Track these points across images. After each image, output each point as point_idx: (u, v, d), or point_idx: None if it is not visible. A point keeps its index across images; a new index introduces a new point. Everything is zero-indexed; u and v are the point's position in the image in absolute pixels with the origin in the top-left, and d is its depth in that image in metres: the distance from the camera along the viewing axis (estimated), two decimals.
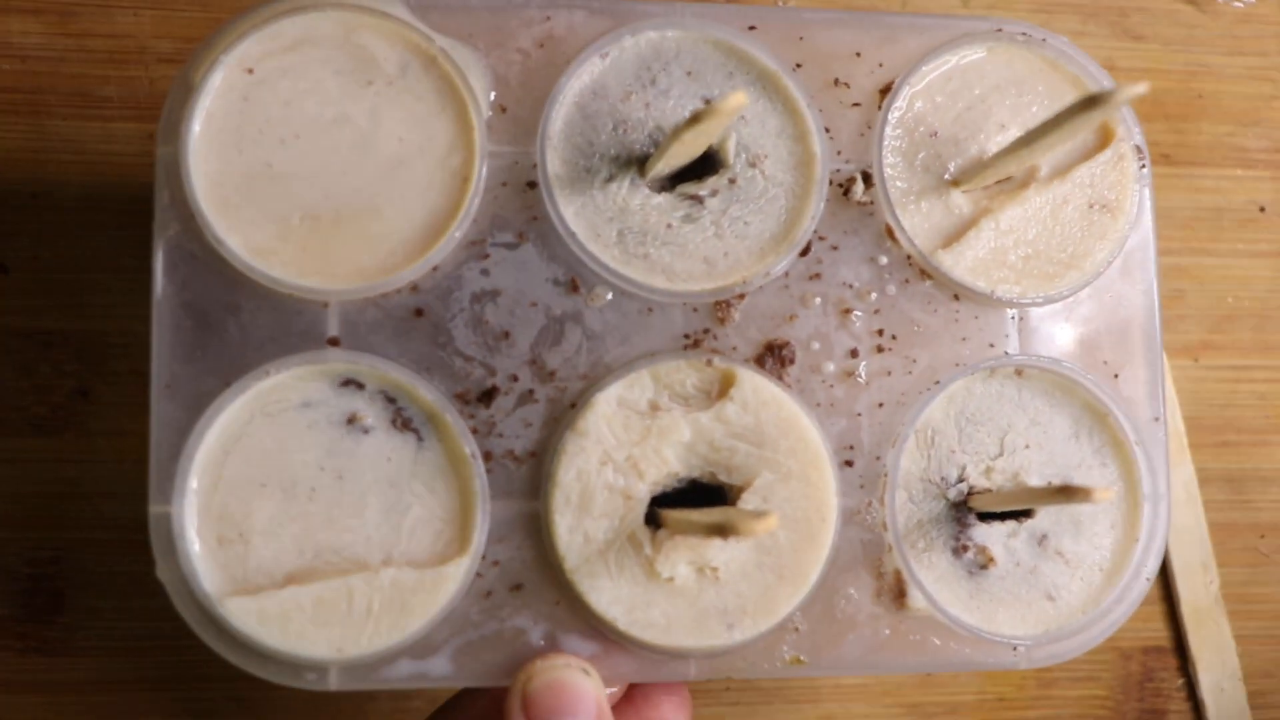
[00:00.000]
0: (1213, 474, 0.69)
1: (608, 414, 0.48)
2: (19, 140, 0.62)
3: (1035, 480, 0.51)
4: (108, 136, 0.63)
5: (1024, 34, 0.52)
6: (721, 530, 0.42)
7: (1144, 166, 0.52)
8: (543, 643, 0.48)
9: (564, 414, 0.49)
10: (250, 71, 0.48)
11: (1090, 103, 0.43)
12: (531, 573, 0.48)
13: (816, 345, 0.50)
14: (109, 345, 0.62)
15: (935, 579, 0.50)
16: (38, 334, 0.61)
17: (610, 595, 0.48)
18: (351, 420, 0.48)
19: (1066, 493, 0.46)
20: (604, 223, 0.49)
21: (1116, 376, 0.52)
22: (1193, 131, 0.70)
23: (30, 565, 0.61)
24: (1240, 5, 0.71)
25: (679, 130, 0.44)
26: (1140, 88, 0.42)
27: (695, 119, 0.43)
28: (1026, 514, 0.51)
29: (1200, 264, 0.70)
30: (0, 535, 0.61)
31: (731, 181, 0.50)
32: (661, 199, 0.49)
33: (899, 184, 0.51)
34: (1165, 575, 0.68)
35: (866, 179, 0.51)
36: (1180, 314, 0.69)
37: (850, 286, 0.50)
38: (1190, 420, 0.69)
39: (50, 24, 0.63)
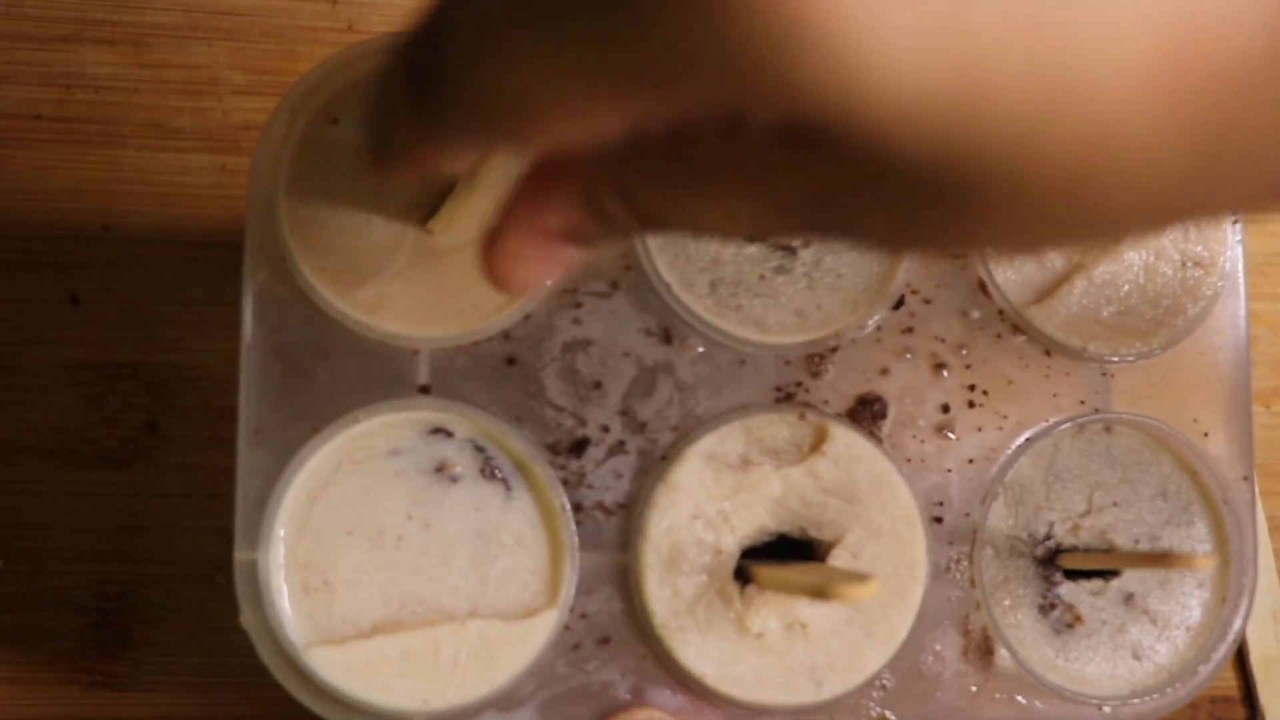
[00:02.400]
0: None
1: (699, 467, 0.48)
2: (92, 171, 0.62)
3: (1122, 538, 0.50)
4: (181, 168, 0.63)
5: None
6: (821, 593, 0.41)
7: (1237, 222, 0.52)
8: (630, 697, 0.48)
9: (655, 466, 0.48)
10: (335, 121, 0.47)
11: None
12: (620, 626, 0.48)
13: (908, 400, 0.50)
14: (178, 379, 0.62)
15: (1021, 637, 0.50)
16: (108, 366, 0.61)
17: (699, 650, 0.47)
18: (440, 469, 0.47)
19: (1167, 559, 0.46)
20: (697, 273, 0.49)
21: (1206, 435, 0.51)
22: None
23: (98, 599, 0.60)
24: None
25: None
26: None
27: None
28: (1113, 572, 0.51)
29: (1273, 310, 0.69)
30: (68, 569, 0.60)
31: None
32: (754, 249, 0.49)
33: None
34: None
35: None
36: (1252, 360, 0.68)
37: (942, 340, 0.50)
38: (1261, 467, 0.68)
39: (125, 54, 0.63)
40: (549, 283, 0.47)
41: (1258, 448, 0.65)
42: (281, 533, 0.47)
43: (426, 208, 0.47)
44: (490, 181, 0.44)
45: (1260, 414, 0.68)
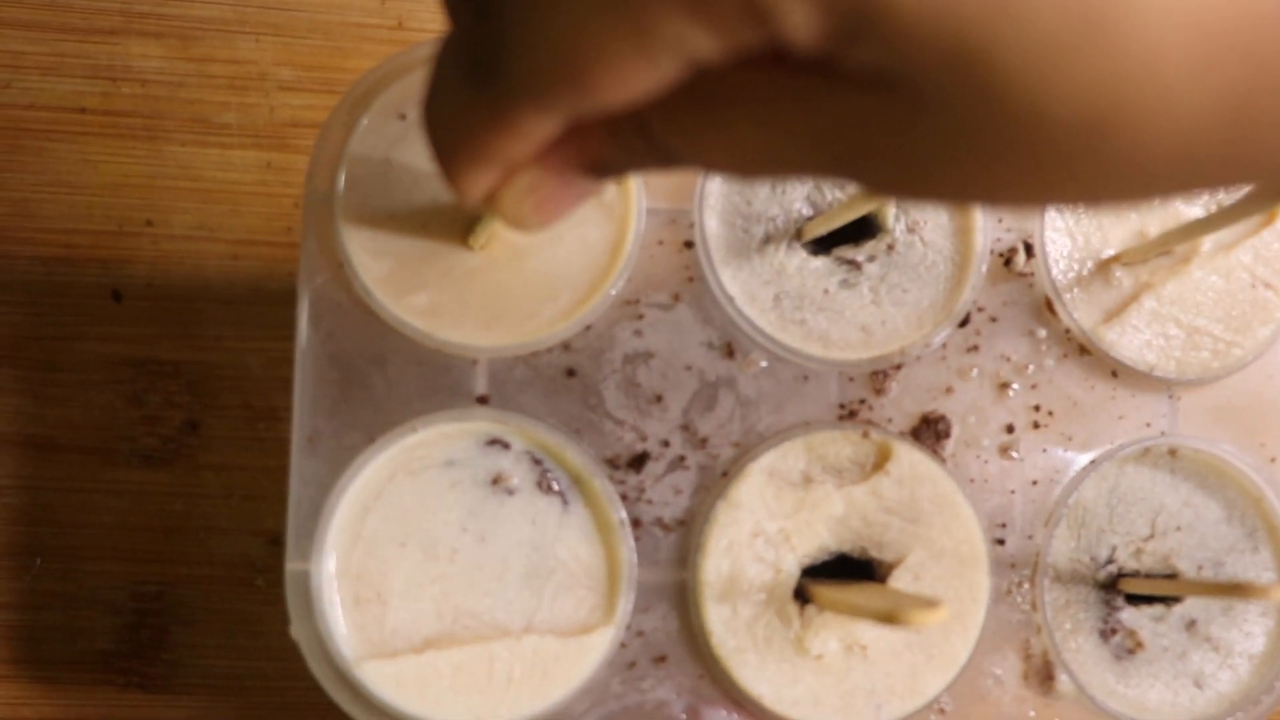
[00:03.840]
0: None
1: (760, 484, 0.47)
2: (137, 166, 0.61)
3: (1186, 563, 0.50)
4: (225, 164, 0.62)
5: None
6: (889, 618, 0.40)
7: None
8: (685, 717, 0.47)
9: (715, 482, 0.47)
10: (403, 118, 0.47)
11: (1269, 197, 0.42)
12: (677, 645, 0.47)
13: (973, 419, 0.49)
14: (220, 378, 0.61)
15: (1082, 662, 0.49)
16: (149, 364, 0.60)
17: (756, 670, 0.46)
18: (496, 481, 0.46)
19: (1236, 590, 0.45)
20: (760, 286, 0.48)
21: (1274, 460, 0.51)
22: None
23: (135, 599, 0.60)
24: None
25: (853, 200, 0.43)
26: None
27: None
28: (1175, 598, 0.50)
29: None
30: (106, 568, 0.60)
31: (890, 247, 0.49)
32: (819, 263, 0.48)
33: (1059, 256, 0.50)
34: None
35: (1028, 250, 0.49)
36: None
37: (1008, 360, 0.49)
38: None
39: (171, 48, 0.62)
40: (613, 293, 0.46)
41: None
42: (334, 543, 0.46)
43: (467, 220, 0.46)
44: None
45: None
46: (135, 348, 0.61)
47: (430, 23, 0.63)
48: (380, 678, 0.45)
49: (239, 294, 0.61)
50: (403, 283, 0.46)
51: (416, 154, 0.47)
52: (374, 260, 0.46)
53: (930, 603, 0.40)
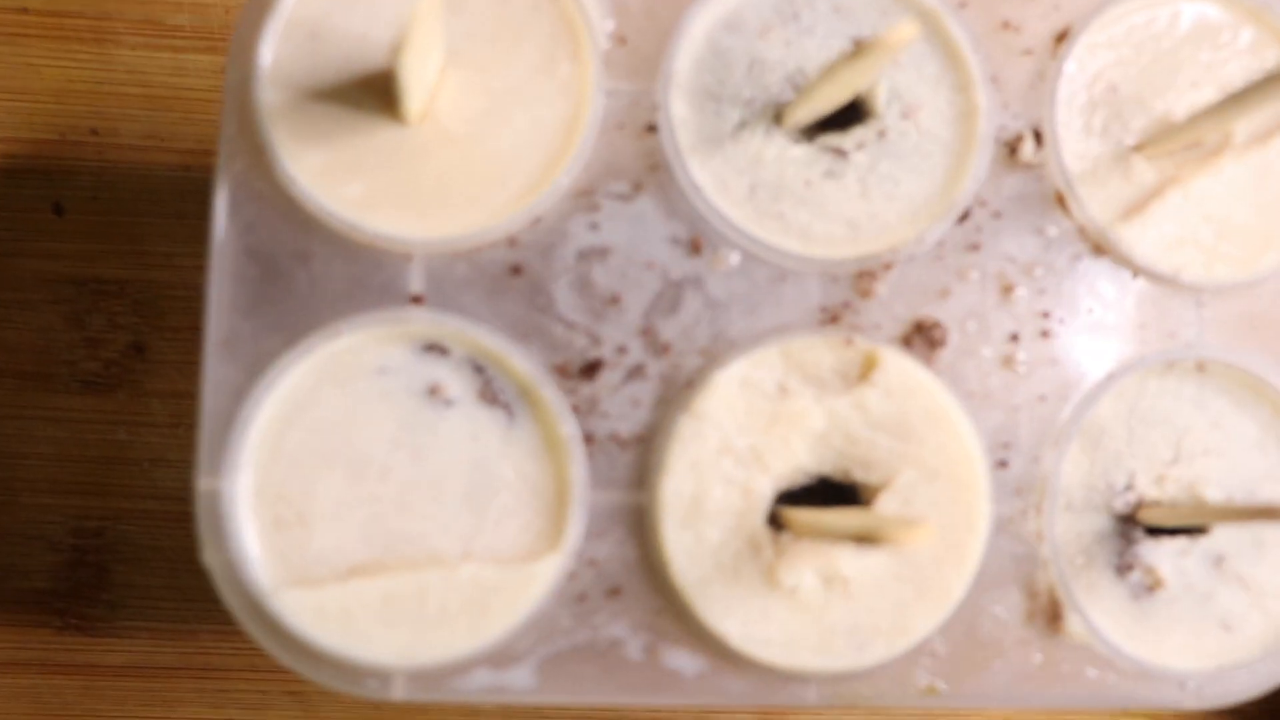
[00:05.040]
0: None
1: (729, 396, 0.42)
2: (82, 70, 0.58)
3: (1214, 492, 0.45)
4: (178, 69, 0.58)
5: None
6: (868, 537, 0.35)
7: None
8: (642, 657, 0.42)
9: (679, 394, 0.43)
10: None
11: None
12: (633, 575, 0.43)
13: (972, 326, 0.44)
14: (169, 298, 0.57)
15: (1095, 601, 0.44)
16: (91, 282, 0.57)
17: (723, 606, 0.42)
18: (433, 391, 0.42)
19: (1267, 513, 0.40)
20: (733, 175, 0.43)
21: None
22: None
23: (74, 536, 0.57)
24: None
25: (833, 67, 0.38)
26: None
27: (853, 55, 0.37)
28: (1201, 530, 0.45)
29: None
30: (43, 501, 0.56)
31: (881, 134, 0.44)
32: (800, 151, 0.43)
33: (1073, 145, 0.45)
34: None
35: (1037, 137, 0.44)
36: None
37: (1013, 260, 0.44)
38: None
39: None
40: (565, 182, 0.42)
41: None
42: (251, 458, 0.41)
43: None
44: (424, 43, 0.39)
45: None
46: (77, 265, 0.57)
47: None
48: (299, 608, 0.41)
49: (190, 208, 0.57)
50: (331, 169, 0.42)
51: (347, 26, 0.42)
52: (299, 144, 0.42)
53: (913, 521, 0.35)
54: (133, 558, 0.56)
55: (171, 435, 0.56)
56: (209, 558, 0.41)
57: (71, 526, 0.56)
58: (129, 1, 0.58)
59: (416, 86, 0.40)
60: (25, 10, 0.58)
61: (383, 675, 0.41)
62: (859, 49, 0.37)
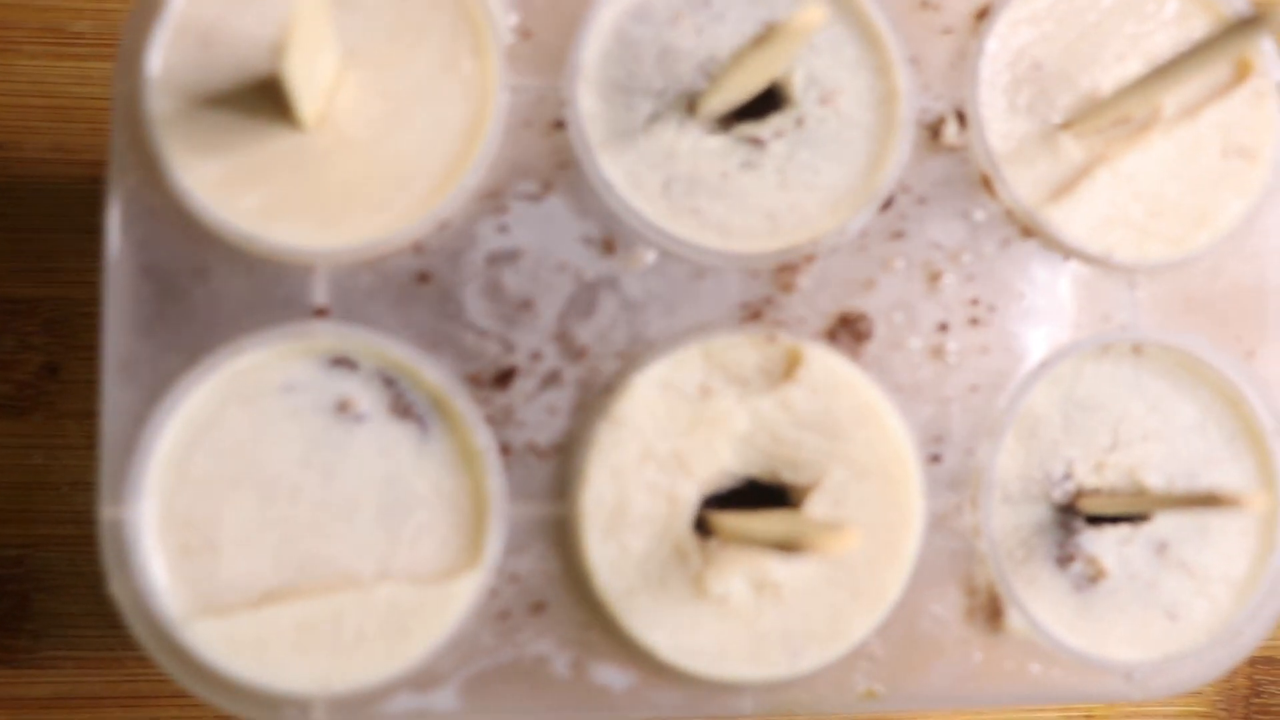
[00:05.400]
0: None
1: (649, 400, 0.41)
2: None
3: (1155, 477, 0.44)
4: (82, 77, 0.57)
5: None
6: (790, 546, 0.34)
7: None
8: (569, 673, 0.41)
9: (597, 399, 0.41)
10: None
11: (1237, 30, 0.36)
12: (557, 590, 0.41)
13: (899, 317, 0.43)
14: (82, 315, 0.56)
15: (1036, 595, 0.43)
16: (1, 302, 0.55)
17: (651, 617, 0.41)
18: (343, 407, 0.41)
19: (1207, 500, 0.39)
20: (647, 170, 0.42)
21: (1251, 354, 0.45)
22: None
23: None
24: None
25: (741, 55, 0.37)
26: None
27: (761, 41, 0.36)
28: (1143, 517, 0.44)
29: None
30: None
31: (799, 121, 0.43)
32: (716, 142, 0.42)
33: (998, 125, 0.44)
34: None
35: (960, 119, 0.43)
36: None
37: (940, 247, 0.43)
38: None
39: None
40: (471, 184, 0.40)
41: None
42: (155, 484, 0.40)
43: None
44: (310, 41, 0.37)
45: None
46: None
47: None
48: (211, 638, 0.39)
49: (102, 222, 0.55)
50: (227, 179, 0.40)
51: (239, 30, 0.41)
52: (191, 156, 0.40)
53: (837, 527, 0.34)
54: (55, 585, 0.55)
55: (89, 457, 0.54)
56: (116, 588, 0.40)
57: None
58: (28, 9, 0.57)
59: (308, 89, 0.38)
60: None
61: (301, 704, 0.40)
62: (765, 35, 0.35)
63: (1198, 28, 0.45)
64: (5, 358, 0.55)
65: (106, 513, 0.40)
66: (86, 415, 0.55)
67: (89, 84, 0.57)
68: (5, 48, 0.56)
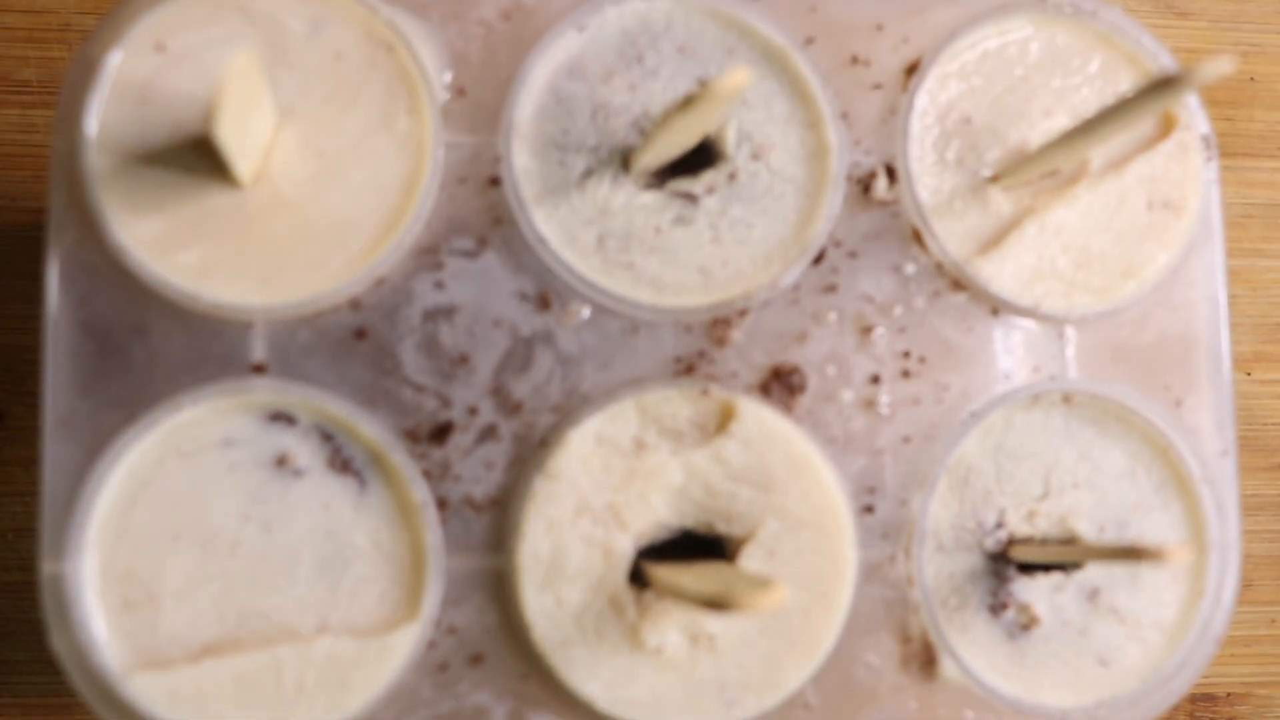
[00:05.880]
0: (1267, 500, 0.63)
1: (584, 453, 0.42)
2: None
3: (1086, 525, 0.45)
4: (26, 125, 0.57)
5: (1071, 4, 0.45)
6: (718, 604, 0.35)
7: (1212, 160, 0.46)
8: None
9: (533, 453, 0.42)
10: (161, 48, 0.41)
11: (1161, 87, 0.37)
12: (495, 641, 0.42)
13: (832, 370, 0.44)
14: (28, 362, 0.55)
15: (970, 642, 0.44)
16: None
17: (587, 668, 0.41)
18: (281, 461, 0.41)
19: (1133, 553, 0.39)
20: (581, 226, 0.43)
21: (1179, 403, 0.46)
22: (1244, 119, 0.65)
23: None
24: None
25: (669, 115, 0.38)
26: (1223, 64, 0.35)
27: (689, 102, 0.37)
28: (1075, 564, 0.45)
29: (1253, 266, 0.64)
30: None
31: (731, 176, 0.43)
32: (649, 198, 0.43)
33: (928, 180, 0.45)
34: None
35: (890, 173, 0.44)
36: (1232, 322, 0.63)
37: (871, 300, 0.44)
38: (1243, 441, 0.62)
39: None
40: (407, 241, 0.41)
41: (1240, 419, 0.60)
42: (95, 539, 0.40)
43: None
44: (242, 102, 0.38)
45: (1241, 381, 0.63)
46: None
47: None
48: (151, 692, 0.40)
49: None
50: (166, 237, 0.41)
51: (176, 88, 0.41)
52: (130, 214, 0.41)
53: (765, 584, 0.34)
54: (3, 632, 0.55)
55: (34, 504, 0.55)
56: (56, 643, 0.40)
57: None
58: None
59: (243, 148, 0.38)
60: None
61: None
62: (693, 96, 0.36)
63: (1123, 82, 0.46)
64: None
65: (47, 568, 0.40)
66: (33, 462, 0.54)
67: (33, 131, 0.57)
68: None
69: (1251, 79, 0.64)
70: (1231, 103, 0.64)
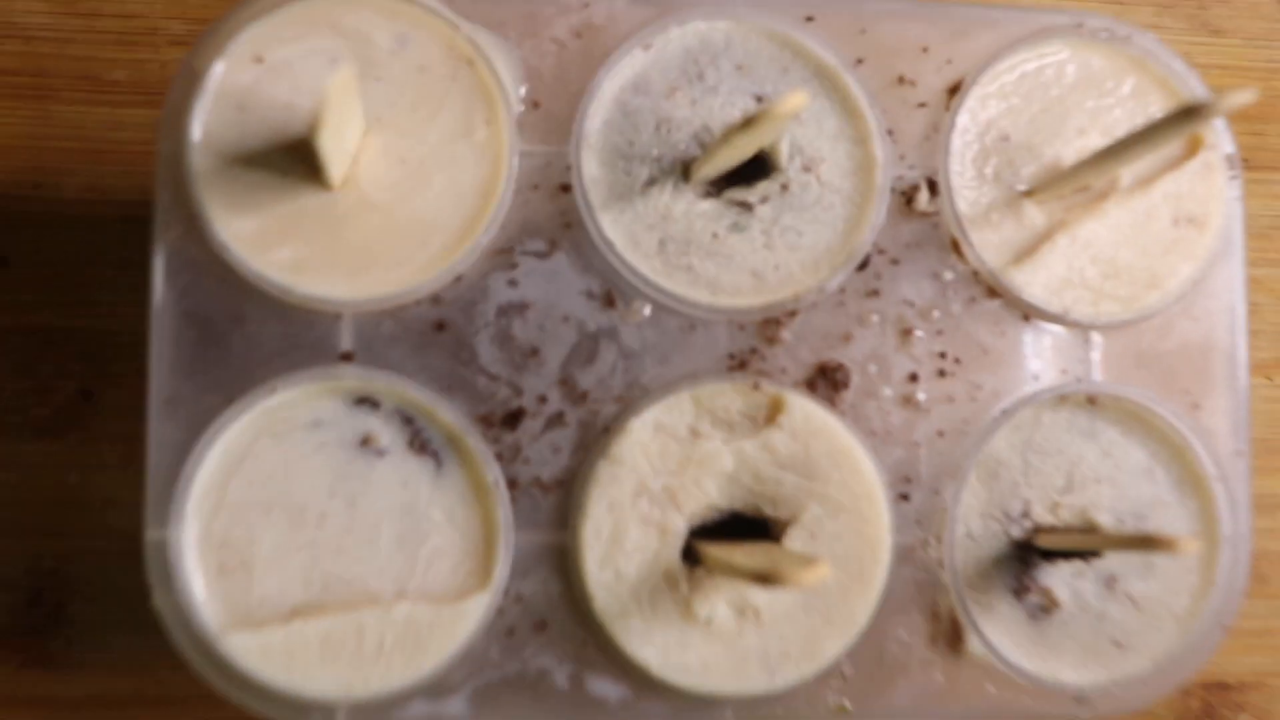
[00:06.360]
0: None
1: (644, 440, 0.45)
2: (22, 126, 0.59)
3: (1106, 517, 0.47)
4: (115, 123, 0.60)
5: (1107, 30, 0.48)
6: (765, 578, 0.38)
7: (1235, 178, 0.49)
8: (568, 686, 0.45)
9: (596, 439, 0.45)
10: (259, 60, 0.44)
11: (1188, 114, 0.40)
12: (558, 610, 0.45)
13: (873, 368, 0.47)
14: (113, 345, 0.59)
15: (994, 623, 0.47)
16: (39, 331, 0.58)
17: (642, 636, 0.44)
18: (365, 442, 0.44)
19: (1147, 543, 0.43)
20: (644, 230, 0.46)
21: (1197, 406, 0.48)
22: (1273, 134, 0.66)
23: (30, 576, 0.58)
24: None
25: (730, 133, 0.41)
26: (1246, 95, 0.38)
27: (748, 123, 0.39)
28: (1094, 553, 0.48)
29: (1276, 275, 0.66)
30: None
31: (784, 187, 0.46)
32: (707, 205, 0.46)
33: (967, 193, 0.48)
34: None
35: (932, 187, 0.47)
36: (1255, 329, 0.64)
37: (911, 304, 0.47)
38: (1263, 443, 0.64)
39: (58, 3, 0.60)
40: (484, 242, 0.44)
41: (1259, 422, 0.62)
42: (195, 509, 0.44)
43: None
44: (340, 115, 0.41)
45: (1262, 386, 0.65)
46: (24, 315, 0.58)
47: None
48: (245, 649, 0.43)
49: (132, 257, 0.58)
50: (262, 235, 0.44)
51: (273, 97, 0.44)
52: (229, 212, 0.44)
53: (809, 561, 0.38)
54: (88, 595, 0.58)
55: (121, 477, 0.58)
56: (159, 602, 0.44)
57: (28, 567, 0.57)
58: (66, 59, 0.60)
59: (337, 156, 0.42)
60: None
61: (326, 709, 0.44)
62: (751, 118, 0.39)
63: (1154, 103, 0.49)
64: (43, 384, 0.58)
65: (152, 535, 0.43)
66: (119, 438, 0.58)
67: (122, 129, 0.60)
68: (44, 95, 0.60)
69: None
70: (1261, 118, 0.66)
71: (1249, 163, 0.65)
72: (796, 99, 0.38)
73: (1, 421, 0.58)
